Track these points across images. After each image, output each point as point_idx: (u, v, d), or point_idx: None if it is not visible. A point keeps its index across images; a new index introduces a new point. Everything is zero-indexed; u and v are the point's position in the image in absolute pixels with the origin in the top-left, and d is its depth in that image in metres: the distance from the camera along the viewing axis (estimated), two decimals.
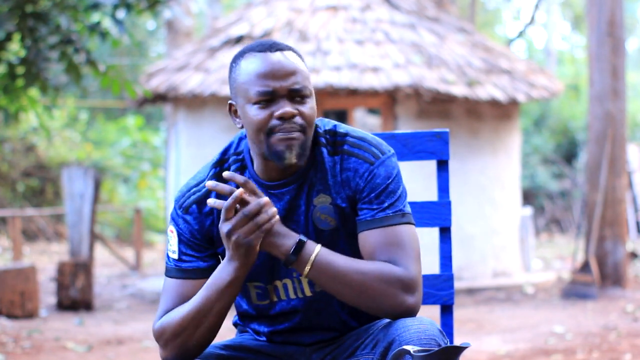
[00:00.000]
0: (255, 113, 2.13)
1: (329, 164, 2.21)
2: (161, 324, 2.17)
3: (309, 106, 2.15)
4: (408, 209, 2.20)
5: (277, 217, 2.08)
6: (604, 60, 9.42)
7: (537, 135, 17.92)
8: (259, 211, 2.04)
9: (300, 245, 2.08)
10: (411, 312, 2.09)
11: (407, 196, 2.22)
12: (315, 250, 2.10)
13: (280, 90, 2.12)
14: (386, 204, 2.16)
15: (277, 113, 2.11)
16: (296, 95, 2.14)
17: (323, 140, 2.22)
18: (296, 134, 2.12)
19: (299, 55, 2.21)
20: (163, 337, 2.16)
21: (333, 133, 2.24)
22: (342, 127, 2.25)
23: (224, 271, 2.10)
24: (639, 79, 22.76)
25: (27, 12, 6.50)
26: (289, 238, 2.09)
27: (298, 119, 2.13)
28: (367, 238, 2.16)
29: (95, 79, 6.97)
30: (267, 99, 2.13)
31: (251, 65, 2.15)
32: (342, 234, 2.21)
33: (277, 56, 2.15)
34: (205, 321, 2.12)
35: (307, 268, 2.09)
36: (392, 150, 2.24)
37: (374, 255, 2.14)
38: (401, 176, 2.23)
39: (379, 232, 2.15)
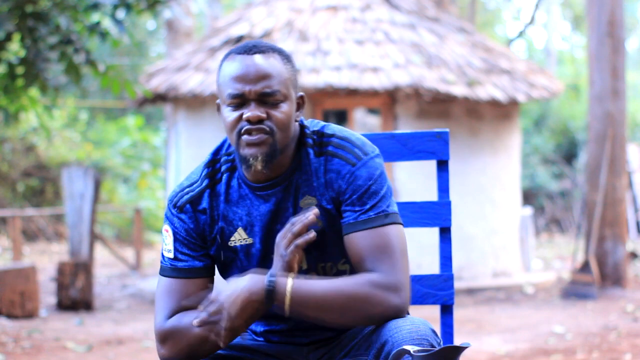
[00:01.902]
0: (227, 114, 2.16)
1: (314, 166, 2.21)
2: (171, 326, 2.16)
3: (282, 110, 2.15)
4: (393, 208, 2.19)
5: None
6: (604, 60, 9.42)
7: (537, 135, 17.92)
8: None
9: (271, 284, 2.05)
10: (400, 312, 2.09)
11: (392, 195, 2.21)
12: (289, 283, 2.07)
13: (248, 94, 2.14)
14: (368, 206, 2.16)
15: (244, 115, 2.13)
16: (267, 100, 2.14)
17: (310, 141, 2.23)
18: (264, 137, 2.13)
19: (285, 57, 2.21)
20: (173, 340, 2.16)
21: (320, 134, 2.24)
22: (330, 128, 2.25)
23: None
24: (639, 79, 22.75)
25: (27, 12, 6.50)
26: (258, 281, 2.06)
27: (267, 123, 2.14)
28: (352, 241, 2.16)
29: (95, 79, 6.96)
30: (238, 102, 2.15)
31: (228, 67, 2.18)
32: (329, 236, 2.21)
33: (252, 59, 2.16)
34: None
35: (287, 303, 2.06)
36: (377, 151, 2.23)
37: (360, 259, 2.13)
38: (386, 176, 2.21)
39: (363, 234, 2.14)
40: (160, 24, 22.00)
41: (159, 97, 10.06)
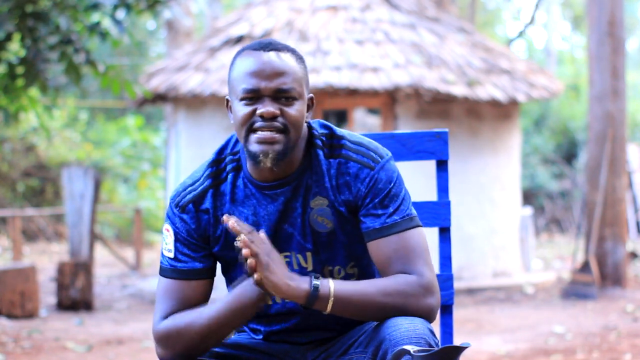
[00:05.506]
0: (239, 109, 2.15)
1: (325, 167, 2.21)
2: (168, 327, 2.17)
3: (295, 108, 2.15)
4: (413, 210, 2.20)
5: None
6: (604, 60, 9.41)
7: (537, 135, 17.92)
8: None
9: (316, 284, 2.06)
10: (435, 312, 2.12)
11: (410, 198, 2.22)
12: (331, 285, 2.08)
13: (264, 89, 2.13)
14: (391, 209, 2.16)
15: (258, 111, 2.12)
16: (282, 96, 2.14)
17: (319, 142, 2.22)
18: (276, 136, 2.12)
19: (298, 58, 2.21)
20: (170, 340, 2.17)
21: (329, 136, 2.24)
22: (338, 130, 2.25)
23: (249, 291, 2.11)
24: (639, 79, 22.74)
25: (27, 12, 6.50)
26: (303, 281, 2.07)
27: (280, 119, 2.13)
28: (379, 247, 2.15)
29: (95, 79, 6.96)
30: (252, 97, 2.14)
31: (244, 63, 2.17)
32: (338, 236, 2.21)
33: (268, 56, 2.16)
34: (221, 334, 2.15)
35: (329, 304, 2.07)
36: (390, 154, 2.25)
37: (388, 264, 2.14)
38: (402, 179, 2.22)
39: (390, 240, 2.15)
40: (160, 24, 21.99)
41: (159, 97, 10.06)
